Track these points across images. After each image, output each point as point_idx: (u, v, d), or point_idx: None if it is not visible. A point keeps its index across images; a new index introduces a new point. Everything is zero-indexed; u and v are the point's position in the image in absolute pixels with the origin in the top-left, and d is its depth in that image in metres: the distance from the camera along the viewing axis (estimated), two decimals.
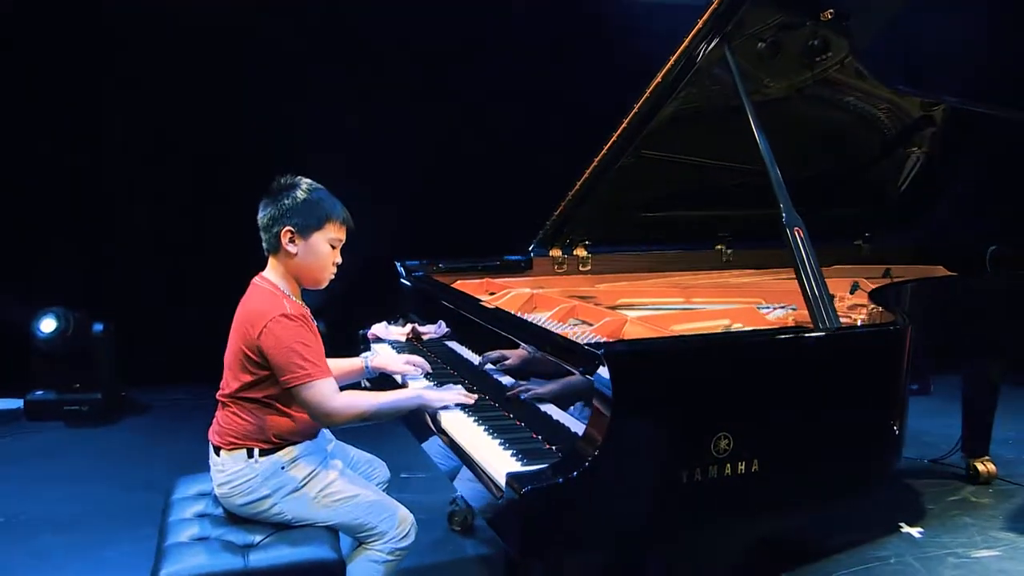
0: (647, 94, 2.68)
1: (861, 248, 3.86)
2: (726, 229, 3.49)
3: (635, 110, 2.72)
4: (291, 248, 2.22)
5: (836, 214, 3.68)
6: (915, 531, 3.19)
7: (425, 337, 3.02)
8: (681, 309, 2.80)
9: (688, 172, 3.14)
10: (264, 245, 2.27)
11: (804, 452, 1.92)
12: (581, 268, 3.36)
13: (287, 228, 2.20)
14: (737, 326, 2.53)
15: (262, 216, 2.24)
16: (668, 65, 2.58)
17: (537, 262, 3.35)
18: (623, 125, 2.79)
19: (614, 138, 2.82)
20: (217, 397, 2.29)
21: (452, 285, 3.10)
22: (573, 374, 1.95)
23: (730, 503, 1.85)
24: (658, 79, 2.62)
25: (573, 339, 2.06)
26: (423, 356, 2.70)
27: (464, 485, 2.19)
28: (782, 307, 2.84)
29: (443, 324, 2.96)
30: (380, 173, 5.29)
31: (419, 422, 2.42)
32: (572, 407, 2.02)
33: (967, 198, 3.67)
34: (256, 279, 2.29)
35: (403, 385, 2.64)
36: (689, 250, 3.49)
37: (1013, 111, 3.09)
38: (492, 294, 3.05)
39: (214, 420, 2.30)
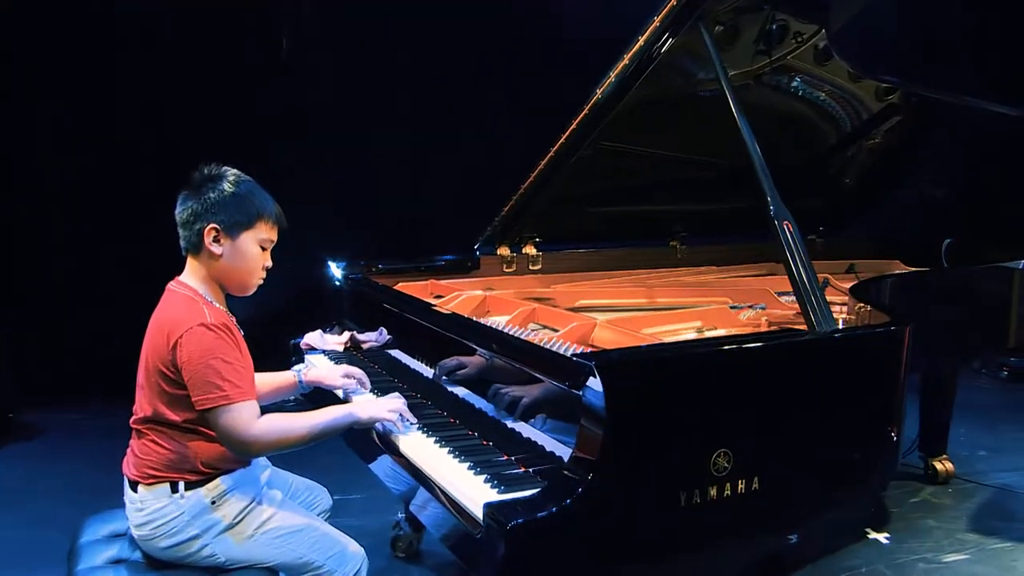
0: (610, 79, 2.53)
1: (815, 243, 3.81)
2: (682, 225, 3.38)
3: (596, 96, 2.57)
4: (215, 248, 1.98)
5: (791, 208, 3.61)
6: (882, 537, 3.15)
7: (365, 346, 2.82)
8: (647, 311, 2.66)
9: (646, 165, 3.02)
10: (182, 244, 2.02)
11: (804, 465, 1.80)
12: (531, 267, 3.19)
13: (211, 225, 1.96)
14: (712, 329, 2.42)
15: (181, 211, 1.98)
16: (635, 48, 2.43)
17: (483, 261, 3.16)
18: (583, 113, 2.63)
19: (573, 127, 2.66)
20: (131, 424, 2.03)
21: (394, 288, 2.89)
22: (548, 386, 1.78)
23: (730, 525, 1.72)
24: (624, 60, 2.47)
25: (553, 348, 1.88)
26: (363, 367, 2.49)
27: (424, 512, 2.00)
28: (750, 307, 2.73)
29: (384, 331, 2.76)
30: (326, 169, 5.09)
31: (364, 441, 2.20)
32: (546, 423, 1.85)
33: (924, 191, 3.66)
34: (172, 284, 2.04)
35: (345, 400, 2.42)
36: (644, 247, 3.36)
37: (978, 100, 3.06)
38: (439, 297, 2.86)
39: (128, 450, 2.04)
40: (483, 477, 1.75)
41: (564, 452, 1.78)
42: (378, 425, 2.10)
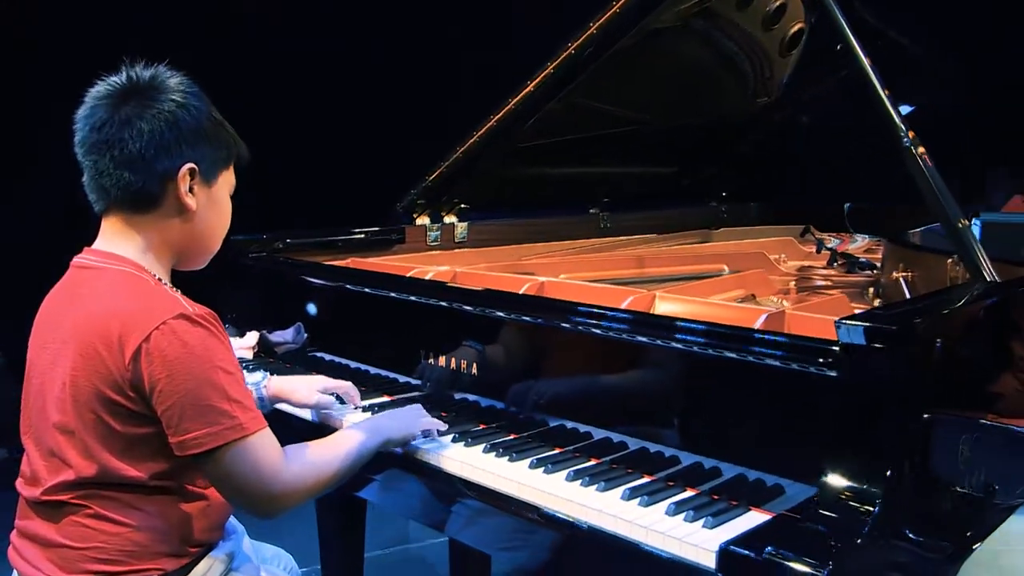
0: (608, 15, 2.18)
1: (719, 210, 3.70)
2: (629, 189, 3.10)
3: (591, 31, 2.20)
4: (189, 200, 1.33)
5: (703, 172, 3.51)
6: None
7: (280, 349, 2.24)
8: (651, 282, 2.33)
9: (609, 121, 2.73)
10: (110, 194, 1.34)
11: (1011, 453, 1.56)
12: (456, 239, 2.72)
13: (188, 165, 1.31)
14: (752, 298, 2.14)
15: (125, 140, 1.29)
16: None
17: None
18: (561, 57, 2.26)
19: (547, 71, 2.28)
20: (38, 496, 1.30)
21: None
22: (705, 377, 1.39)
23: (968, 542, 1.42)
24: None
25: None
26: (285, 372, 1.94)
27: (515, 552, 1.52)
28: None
29: (301, 328, 2.21)
30: None
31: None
32: (662, 426, 1.48)
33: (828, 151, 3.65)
34: (88, 256, 1.38)
35: (321, 424, 1.82)
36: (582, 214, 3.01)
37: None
38: None
39: (18, 539, 1.33)
40: (666, 506, 1.30)
41: (712, 463, 1.40)
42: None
